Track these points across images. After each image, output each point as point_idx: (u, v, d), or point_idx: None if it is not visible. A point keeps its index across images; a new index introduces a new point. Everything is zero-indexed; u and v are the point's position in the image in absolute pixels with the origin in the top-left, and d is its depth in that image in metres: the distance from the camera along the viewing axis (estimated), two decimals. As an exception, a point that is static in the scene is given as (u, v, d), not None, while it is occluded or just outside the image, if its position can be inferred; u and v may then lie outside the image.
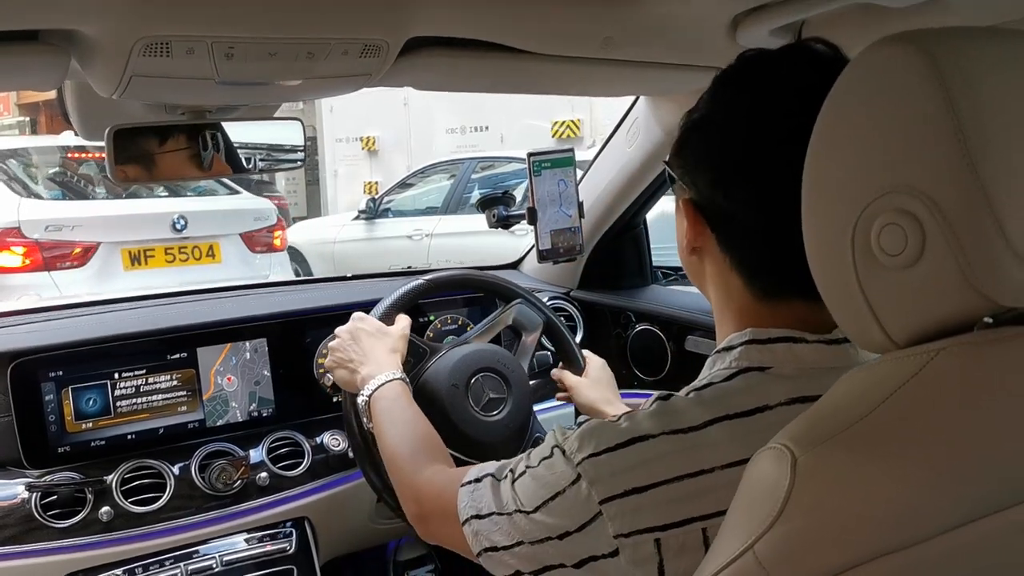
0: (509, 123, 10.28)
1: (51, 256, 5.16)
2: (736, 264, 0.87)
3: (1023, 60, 0.67)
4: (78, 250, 5.26)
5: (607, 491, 0.79)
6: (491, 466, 0.96)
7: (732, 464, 0.77)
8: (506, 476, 0.92)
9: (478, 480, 0.96)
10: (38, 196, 5.58)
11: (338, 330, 1.49)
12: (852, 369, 0.71)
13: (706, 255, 0.90)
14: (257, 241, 6.13)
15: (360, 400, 1.36)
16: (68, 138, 5.88)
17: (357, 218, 8.10)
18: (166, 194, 6.14)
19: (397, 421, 1.28)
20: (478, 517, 0.93)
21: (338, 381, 1.48)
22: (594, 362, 1.68)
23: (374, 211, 7.96)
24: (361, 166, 12.37)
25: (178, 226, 5.56)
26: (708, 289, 0.93)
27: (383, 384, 1.34)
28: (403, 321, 1.51)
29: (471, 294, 1.97)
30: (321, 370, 1.81)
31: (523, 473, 0.90)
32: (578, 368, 1.72)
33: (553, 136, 9.86)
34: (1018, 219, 0.61)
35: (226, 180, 6.15)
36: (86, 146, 5.86)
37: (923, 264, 0.64)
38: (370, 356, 1.40)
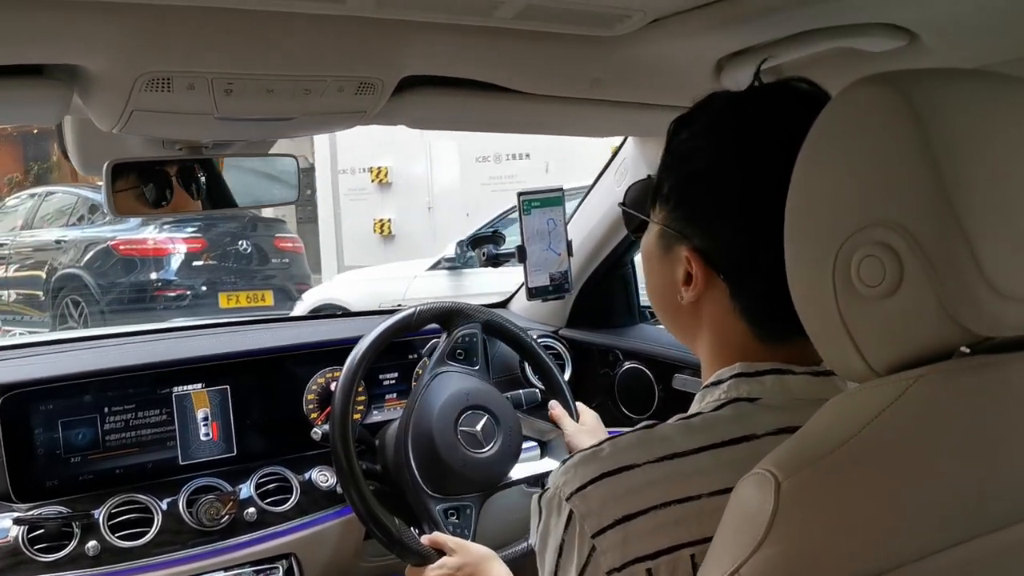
0: (555, 149, 8.55)
1: None
2: (745, 310, 0.86)
3: (995, 99, 0.69)
4: None
5: (598, 523, 0.79)
6: None
7: (718, 492, 0.77)
8: None
9: None
10: None
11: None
12: (834, 397, 0.73)
13: (707, 304, 0.88)
14: None
15: None
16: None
17: (437, 267, 6.35)
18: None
19: None
20: None
21: None
22: (589, 414, 1.70)
23: (462, 258, 5.86)
24: (370, 201, 10.46)
25: None
26: (700, 335, 0.91)
27: None
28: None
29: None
30: (311, 406, 1.82)
31: (542, 561, 0.87)
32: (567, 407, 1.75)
33: (614, 162, 8.58)
34: (993, 252, 0.63)
35: None
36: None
37: (901, 295, 0.66)
38: None
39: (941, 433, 0.67)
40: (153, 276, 7.67)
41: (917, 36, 1.07)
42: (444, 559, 1.49)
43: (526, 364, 1.96)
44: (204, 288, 7.80)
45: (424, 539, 1.56)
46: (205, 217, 7.35)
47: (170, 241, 7.75)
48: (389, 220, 10.20)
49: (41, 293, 8.09)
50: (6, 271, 8.48)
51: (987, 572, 0.66)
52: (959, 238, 0.63)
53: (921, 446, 0.67)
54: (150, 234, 7.71)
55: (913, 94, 0.66)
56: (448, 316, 1.74)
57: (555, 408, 1.69)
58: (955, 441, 0.67)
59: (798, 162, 0.73)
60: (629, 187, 1.02)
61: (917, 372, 0.67)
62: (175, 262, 7.73)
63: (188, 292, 7.74)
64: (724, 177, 0.86)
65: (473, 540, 1.62)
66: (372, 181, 10.42)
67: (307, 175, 12.49)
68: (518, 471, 1.73)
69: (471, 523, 1.65)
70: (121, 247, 7.68)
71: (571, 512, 0.81)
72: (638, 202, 0.97)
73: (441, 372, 1.70)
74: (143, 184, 1.27)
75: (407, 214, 9.84)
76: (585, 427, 1.66)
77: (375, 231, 10.21)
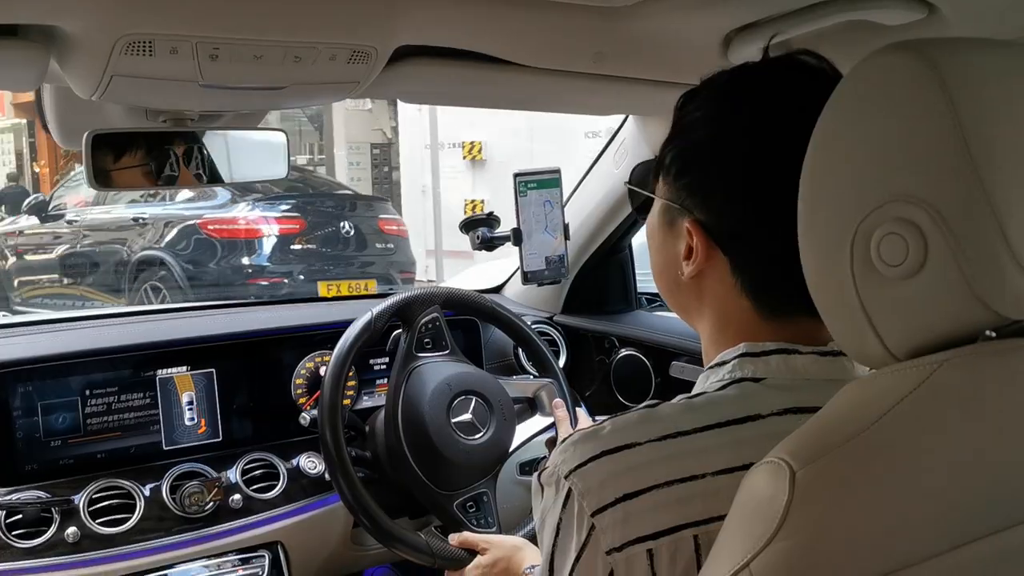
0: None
1: None
2: (747, 284, 0.84)
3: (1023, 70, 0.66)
4: None
5: (598, 502, 0.77)
6: None
7: (722, 471, 0.76)
8: None
9: None
10: None
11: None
12: (850, 382, 0.70)
13: (708, 279, 0.87)
14: None
15: None
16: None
17: None
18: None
19: None
20: None
21: None
22: (586, 421, 1.68)
23: None
24: (461, 180, 9.40)
25: None
26: (702, 312, 0.89)
27: None
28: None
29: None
30: (299, 391, 1.79)
31: (541, 540, 0.86)
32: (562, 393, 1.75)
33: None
34: (1023, 229, 0.60)
35: None
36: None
37: (925, 274, 0.63)
38: None
39: (966, 421, 0.64)
40: (245, 261, 6.65)
41: (936, 8, 1.04)
42: (477, 559, 1.48)
43: (520, 350, 1.93)
44: (302, 276, 6.69)
45: (453, 540, 1.55)
46: (199, 192, 6.75)
47: (264, 221, 6.70)
48: (482, 201, 9.14)
49: (117, 277, 7.07)
50: (75, 251, 7.44)
51: (1013, 566, 0.63)
52: (988, 214, 0.60)
53: (945, 435, 0.64)
54: (241, 212, 6.66)
55: (940, 62, 0.63)
56: (405, 309, 1.69)
57: (559, 409, 1.67)
58: (981, 430, 0.65)
59: (815, 134, 0.70)
60: (635, 167, 1.00)
61: (941, 356, 0.64)
62: (269, 245, 6.68)
63: (285, 280, 6.67)
64: (725, 148, 0.84)
65: (498, 522, 1.63)
66: (464, 157, 9.34)
67: (383, 150, 11.67)
68: (516, 435, 1.72)
69: (492, 509, 1.64)
70: (209, 227, 6.62)
71: (570, 490, 0.79)
72: (643, 181, 0.96)
73: (414, 367, 1.66)
74: (126, 156, 1.23)
75: (503, 195, 8.93)
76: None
77: (466, 213, 8.68)
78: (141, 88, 1.07)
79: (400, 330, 1.70)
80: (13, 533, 1.45)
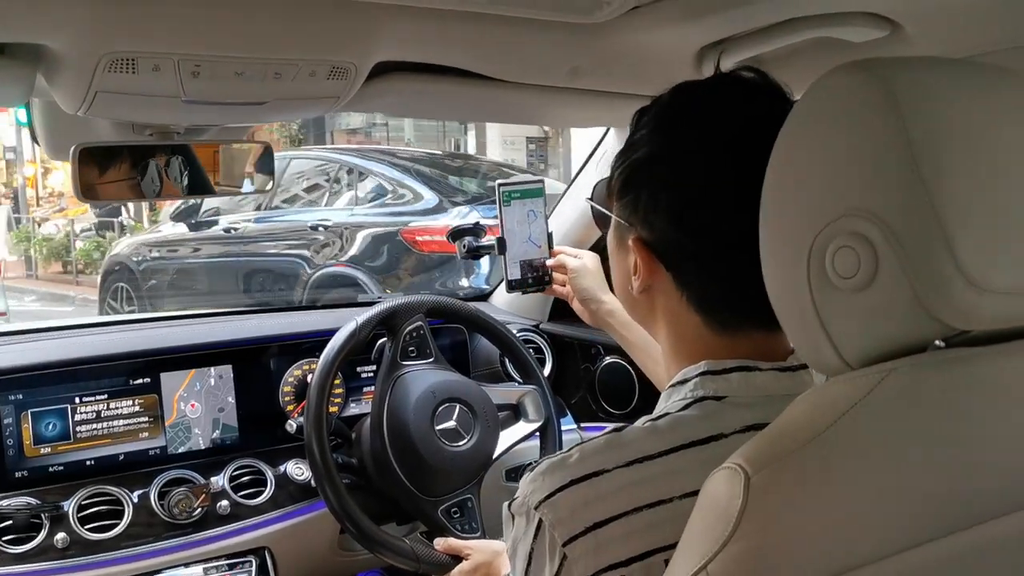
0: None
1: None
2: (693, 300, 0.85)
3: (975, 88, 0.68)
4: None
5: (569, 531, 0.78)
6: None
7: (690, 494, 0.75)
8: None
9: None
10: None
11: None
12: (806, 391, 0.72)
13: (658, 294, 0.88)
14: None
15: None
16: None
17: None
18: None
19: None
20: None
21: None
22: (587, 255, 1.62)
23: None
24: None
25: None
26: (659, 327, 0.91)
27: None
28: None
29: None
30: (287, 399, 1.80)
31: (513, 567, 0.86)
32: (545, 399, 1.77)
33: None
34: (969, 244, 0.62)
35: None
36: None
37: (876, 287, 0.65)
38: None
39: (913, 428, 0.66)
40: (464, 283, 5.31)
41: (899, 26, 1.06)
42: (460, 565, 1.49)
43: (506, 359, 1.95)
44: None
45: (439, 546, 1.56)
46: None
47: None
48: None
49: (291, 297, 5.89)
50: (234, 266, 6.19)
51: (961, 568, 0.65)
52: (936, 229, 0.62)
53: (893, 441, 0.65)
54: (454, 220, 5.16)
55: (892, 81, 0.65)
56: (389, 318, 1.70)
57: (564, 249, 1.64)
58: (928, 436, 0.66)
59: (774, 150, 0.72)
60: (597, 183, 1.01)
61: (890, 365, 0.66)
62: (488, 262, 4.89)
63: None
64: (658, 168, 0.85)
65: (482, 528, 1.64)
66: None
67: (539, 146, 10.81)
68: (500, 442, 1.73)
69: (476, 514, 1.66)
70: (416, 237, 5.27)
71: (540, 521, 0.79)
72: (603, 197, 0.97)
73: (399, 376, 1.68)
74: (113, 169, 1.24)
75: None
76: (590, 264, 1.58)
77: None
78: (125, 104, 1.09)
79: (385, 339, 1.72)
80: (3, 539, 1.47)
